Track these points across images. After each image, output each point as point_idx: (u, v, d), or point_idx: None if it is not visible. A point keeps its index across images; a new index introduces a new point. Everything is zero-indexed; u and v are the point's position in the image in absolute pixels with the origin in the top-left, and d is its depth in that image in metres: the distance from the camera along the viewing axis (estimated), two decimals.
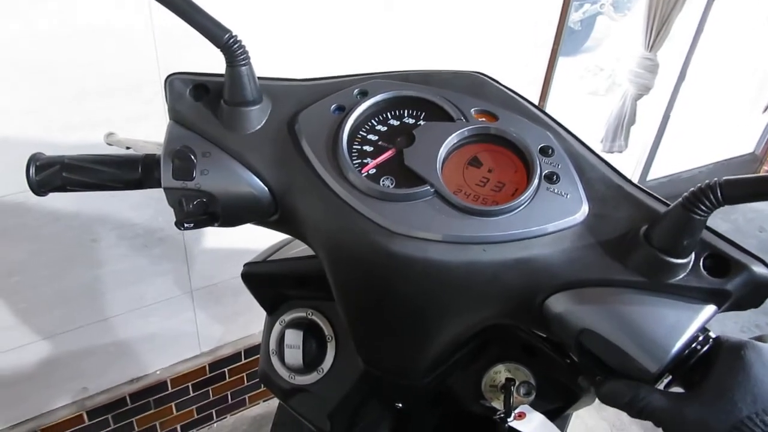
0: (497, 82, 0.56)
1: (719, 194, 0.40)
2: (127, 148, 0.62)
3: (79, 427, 1.37)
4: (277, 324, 0.72)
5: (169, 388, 1.46)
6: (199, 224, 0.53)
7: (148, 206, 1.17)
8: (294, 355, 0.69)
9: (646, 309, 0.44)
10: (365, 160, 0.50)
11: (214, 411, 1.59)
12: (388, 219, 0.46)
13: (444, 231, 0.46)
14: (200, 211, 0.52)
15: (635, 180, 2.55)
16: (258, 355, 1.10)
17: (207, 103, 0.53)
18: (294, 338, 0.69)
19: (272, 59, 1.14)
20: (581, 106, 2.44)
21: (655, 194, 0.49)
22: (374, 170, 0.49)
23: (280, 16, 1.11)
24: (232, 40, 0.48)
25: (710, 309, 0.45)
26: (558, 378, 0.64)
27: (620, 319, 0.44)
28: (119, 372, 1.39)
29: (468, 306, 0.50)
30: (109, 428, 1.42)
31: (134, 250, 1.21)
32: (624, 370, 0.44)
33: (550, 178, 0.48)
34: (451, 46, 1.37)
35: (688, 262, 0.44)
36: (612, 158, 2.30)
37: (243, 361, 1.55)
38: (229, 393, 1.59)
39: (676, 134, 2.51)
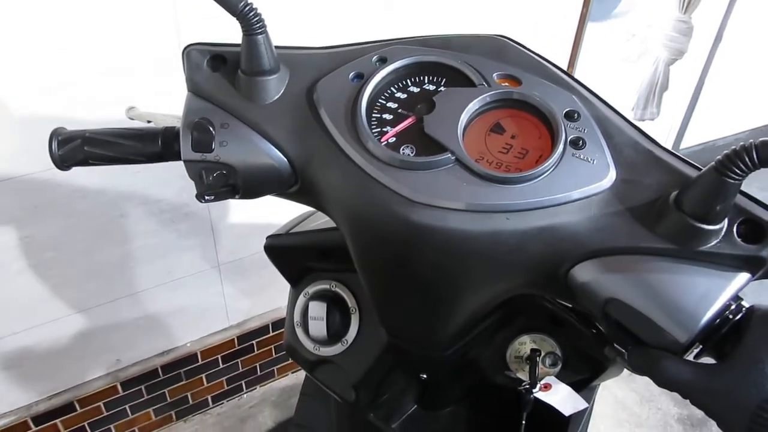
0: (521, 45, 0.54)
1: (755, 156, 0.38)
2: (148, 121, 0.62)
3: (114, 397, 1.41)
4: (301, 296, 0.73)
5: (199, 360, 1.49)
6: (220, 196, 0.53)
7: (173, 182, 1.17)
8: (318, 326, 0.69)
9: (676, 277, 0.42)
10: (385, 129, 0.49)
11: (243, 382, 1.62)
12: (408, 188, 0.45)
13: (465, 199, 0.45)
14: (220, 183, 0.52)
15: (668, 147, 2.49)
16: None
17: (225, 74, 0.53)
18: (318, 310, 0.69)
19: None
20: (612, 73, 2.37)
21: (686, 159, 0.47)
22: (394, 139, 0.48)
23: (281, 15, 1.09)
24: (248, 8, 0.47)
25: (743, 277, 0.43)
26: (584, 349, 0.63)
27: (648, 288, 0.43)
28: (151, 344, 1.42)
29: (491, 276, 0.49)
30: (143, 399, 1.46)
31: (161, 225, 1.23)
32: (652, 341, 0.43)
33: (576, 143, 0.46)
34: (474, 10, 1.34)
35: (721, 228, 0.42)
36: (644, 126, 2.24)
37: (271, 334, 1.57)
38: (257, 365, 1.61)
39: (712, 100, 2.43)
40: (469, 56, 0.51)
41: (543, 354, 0.64)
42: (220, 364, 1.54)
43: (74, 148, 0.55)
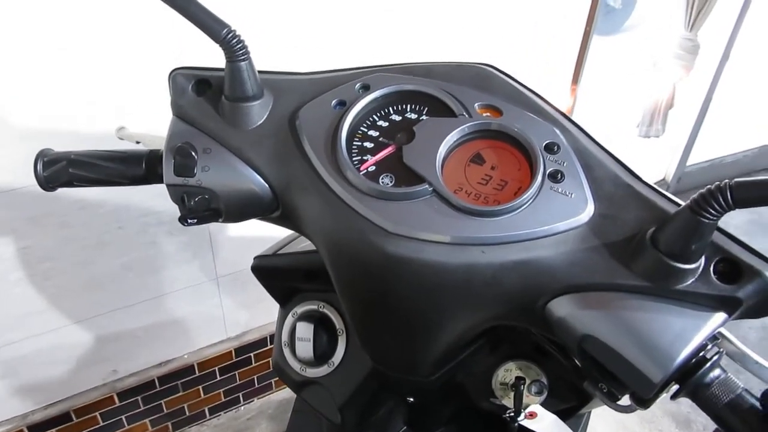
0: (504, 73, 0.54)
1: (729, 197, 0.37)
2: (137, 142, 0.62)
3: (111, 408, 1.41)
4: (289, 316, 0.72)
5: (197, 372, 1.48)
6: (203, 220, 0.53)
7: None
8: (305, 347, 0.69)
9: (651, 315, 0.42)
10: (365, 157, 0.49)
11: (240, 394, 1.62)
12: (385, 218, 0.45)
13: (442, 232, 0.44)
14: (202, 207, 0.52)
15: (672, 166, 2.46)
16: None
17: (209, 99, 0.53)
18: (305, 331, 0.69)
19: (273, 58, 1.13)
20: (618, 88, 2.36)
21: (668, 194, 0.46)
22: (374, 167, 0.48)
23: (280, 12, 1.10)
24: (230, 35, 0.47)
25: (720, 317, 0.42)
26: (570, 378, 0.62)
27: (623, 326, 0.42)
28: (148, 355, 1.42)
29: (467, 308, 0.48)
30: (139, 409, 1.46)
31: (160, 237, 1.23)
32: (627, 379, 0.42)
33: (555, 176, 0.46)
34: (475, 25, 1.34)
35: (697, 267, 0.42)
36: (649, 144, 2.23)
37: (269, 347, 1.57)
38: (255, 377, 1.61)
39: (719, 117, 2.41)
40: (451, 85, 0.51)
41: (528, 382, 0.63)
42: (218, 376, 1.53)
43: (59, 170, 0.55)
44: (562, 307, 0.44)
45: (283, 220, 0.56)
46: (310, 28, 1.14)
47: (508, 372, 0.64)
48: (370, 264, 0.47)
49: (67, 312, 1.23)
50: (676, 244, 0.41)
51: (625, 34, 4.22)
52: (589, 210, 0.45)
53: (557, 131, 0.49)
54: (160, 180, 0.54)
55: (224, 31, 0.47)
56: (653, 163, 2.48)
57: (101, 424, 1.42)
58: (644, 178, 0.48)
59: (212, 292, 1.40)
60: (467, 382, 0.67)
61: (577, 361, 0.53)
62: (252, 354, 1.55)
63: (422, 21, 1.25)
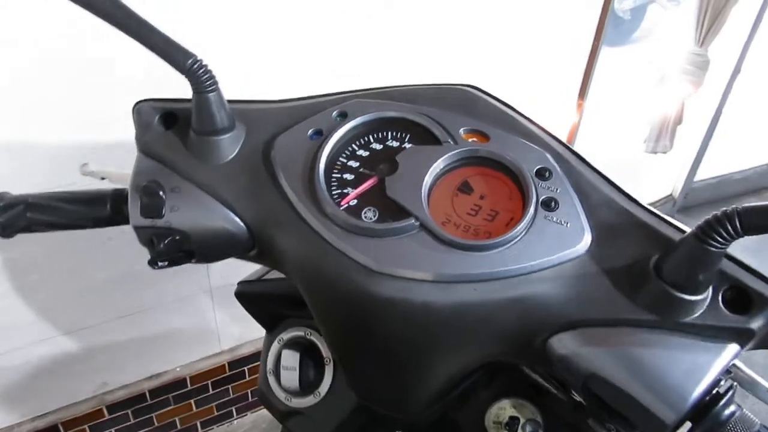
0: (490, 95, 0.51)
1: (738, 224, 0.34)
2: (102, 178, 0.59)
3: (100, 420, 1.38)
4: (275, 342, 0.69)
5: (189, 386, 1.46)
6: (174, 262, 0.50)
7: None
8: (290, 377, 0.66)
9: (659, 351, 0.39)
10: (346, 190, 0.46)
11: (234, 408, 1.59)
12: (368, 256, 0.42)
13: (430, 269, 0.41)
14: (173, 249, 0.49)
15: (680, 182, 2.42)
16: None
17: (177, 132, 0.50)
18: (291, 359, 0.66)
19: (245, 85, 1.10)
20: (625, 102, 2.32)
21: (670, 220, 0.43)
22: (355, 201, 0.45)
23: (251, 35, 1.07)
24: (196, 65, 0.44)
25: (732, 349, 0.39)
26: (567, 418, 0.59)
27: (631, 363, 0.39)
28: (139, 368, 1.39)
29: (460, 347, 0.45)
30: (129, 423, 1.43)
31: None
32: (637, 420, 0.39)
33: (548, 204, 0.43)
34: (482, 35, 1.31)
35: (705, 298, 0.39)
36: (656, 159, 2.19)
37: None
38: (249, 391, 1.58)
39: (728, 132, 2.37)
40: (434, 110, 0.48)
41: (523, 421, 0.60)
42: (211, 390, 1.51)
43: (16, 215, 0.52)
44: (563, 345, 0.41)
45: (260, 259, 0.53)
46: (285, 47, 1.11)
47: (502, 410, 0.60)
48: (353, 304, 0.43)
49: (56, 323, 1.21)
50: (681, 274, 0.38)
51: (633, 46, 4.19)
52: (587, 239, 0.42)
53: (548, 156, 0.46)
54: (126, 221, 0.50)
55: (189, 62, 0.44)
56: (660, 178, 2.44)
57: None
58: (643, 203, 0.45)
59: (206, 305, 1.37)
60: (459, 418, 0.64)
61: (580, 399, 0.50)
62: (246, 368, 1.52)
63: (418, 31, 1.22)
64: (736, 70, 2.14)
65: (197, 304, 1.35)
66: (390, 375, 0.51)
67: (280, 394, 0.68)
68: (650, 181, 2.43)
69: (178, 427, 1.52)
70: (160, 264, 0.48)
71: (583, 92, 1.60)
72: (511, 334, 0.43)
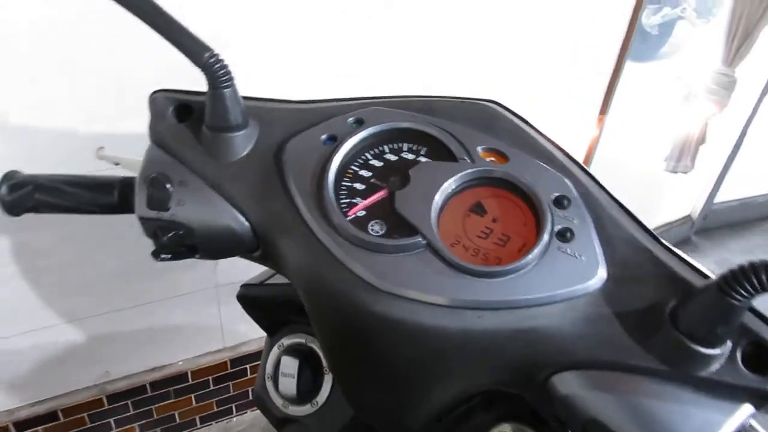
0: (513, 113, 0.49)
1: (765, 279, 0.32)
2: (116, 164, 0.58)
3: (100, 410, 1.38)
4: (275, 347, 0.68)
5: (190, 380, 1.45)
6: (177, 256, 0.49)
7: None
8: (288, 384, 0.65)
9: (668, 404, 0.37)
10: (355, 200, 0.44)
11: (234, 405, 1.58)
12: (372, 273, 0.40)
13: (435, 292, 0.40)
14: (177, 243, 0.48)
15: (700, 203, 2.38)
16: None
17: (190, 126, 0.48)
18: (290, 366, 0.65)
19: (261, 82, 1.09)
20: (649, 118, 2.29)
21: (693, 262, 0.41)
22: (363, 212, 0.43)
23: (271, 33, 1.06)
24: (213, 59, 0.43)
25: (746, 410, 0.37)
26: None
27: (636, 414, 0.37)
28: (141, 360, 1.38)
29: (460, 375, 0.43)
30: (129, 413, 1.43)
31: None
32: None
33: (563, 235, 0.41)
34: (506, 48, 1.29)
35: (722, 353, 0.36)
36: (676, 178, 2.15)
37: None
38: (249, 389, 1.57)
39: (753, 154, 2.32)
40: (453, 124, 0.46)
41: None
42: (211, 386, 1.50)
43: (25, 195, 0.51)
44: (566, 384, 0.39)
45: (264, 261, 0.52)
46: (305, 47, 1.09)
47: None
48: (351, 319, 0.42)
49: (61, 310, 1.20)
50: (699, 326, 0.36)
51: (660, 62, 4.13)
52: (601, 275, 0.40)
53: (569, 183, 0.44)
54: (133, 210, 0.50)
55: (206, 55, 0.43)
56: (679, 198, 2.40)
57: (89, 425, 1.39)
58: (666, 242, 0.42)
59: (211, 301, 1.36)
60: None
61: None
62: (248, 366, 1.51)
63: (440, 43, 1.20)
64: (765, 92, 2.10)
65: (203, 300, 1.34)
66: (384, 392, 0.50)
67: (278, 401, 0.67)
68: (669, 200, 2.39)
69: (177, 420, 1.52)
70: (163, 257, 0.48)
71: (605, 107, 1.57)
72: (513, 366, 0.41)
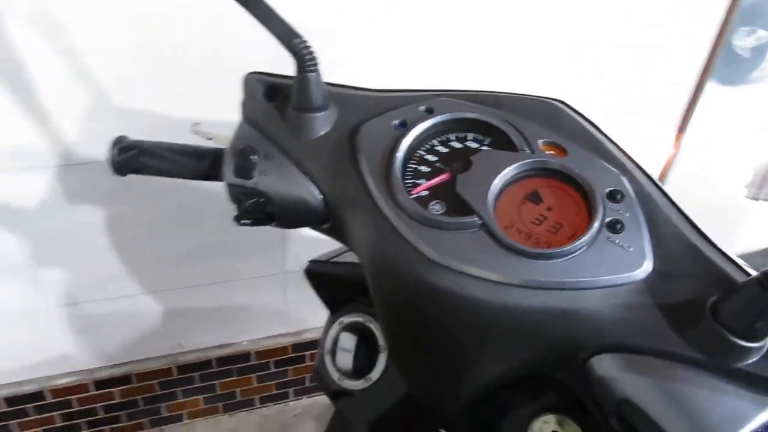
0: (577, 112, 0.51)
1: None
2: (209, 138, 0.64)
3: (169, 378, 1.48)
4: (336, 324, 0.73)
5: (253, 360, 1.52)
6: (256, 223, 0.54)
7: None
8: (345, 358, 0.69)
9: (701, 391, 0.38)
10: (419, 181, 0.48)
11: (291, 390, 1.64)
12: (430, 247, 0.44)
13: (488, 268, 0.43)
14: (257, 210, 0.53)
15: None
16: None
17: (277, 106, 0.54)
18: (348, 342, 0.69)
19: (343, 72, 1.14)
20: (732, 141, 2.20)
21: (739, 261, 0.42)
22: (425, 192, 0.47)
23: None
24: (302, 45, 0.48)
25: None
26: None
27: (668, 397, 0.39)
28: (210, 336, 1.47)
29: (508, 350, 0.46)
30: (194, 386, 1.52)
31: (236, 227, 1.27)
32: None
33: (614, 226, 0.43)
34: (579, 61, 1.29)
35: (762, 346, 0.38)
36: (758, 206, 2.06)
37: None
38: (306, 376, 1.63)
39: None
40: (517, 118, 0.50)
41: None
42: (272, 368, 1.57)
43: (131, 157, 0.58)
44: (604, 366, 0.41)
45: (332, 233, 0.57)
46: (386, 42, 1.14)
47: (546, 424, 0.60)
48: (409, 291, 0.46)
49: (143, 282, 1.30)
50: (739, 320, 0.37)
51: (751, 86, 3.94)
52: (647, 267, 0.42)
53: (624, 179, 0.46)
54: (221, 179, 0.55)
55: (297, 41, 0.48)
56: (761, 227, 2.29)
57: (158, 392, 1.49)
58: (715, 241, 0.44)
59: (279, 287, 1.43)
60: (503, 425, 0.64)
61: (613, 425, 0.49)
62: (308, 353, 1.57)
63: (518, 52, 1.22)
64: None
65: (271, 285, 1.41)
66: (436, 367, 0.53)
67: (334, 374, 0.71)
68: (750, 228, 2.29)
69: (237, 398, 1.60)
70: (243, 221, 0.53)
71: (683, 126, 1.54)
72: (557, 345, 0.44)
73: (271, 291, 1.43)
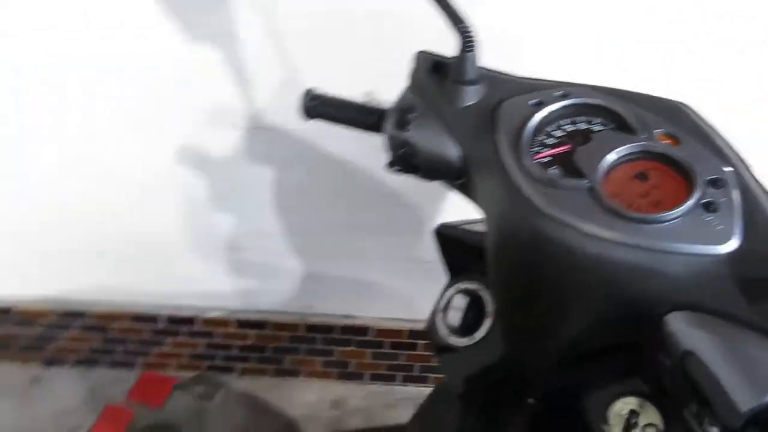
0: (699, 116, 0.57)
1: None
2: (378, 104, 0.78)
3: (296, 334, 1.65)
4: (451, 288, 0.82)
5: (370, 336, 1.65)
6: (404, 171, 0.66)
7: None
8: (455, 317, 0.78)
9: (761, 353, 0.43)
10: (543, 150, 0.56)
11: (400, 374, 1.74)
12: (542, 201, 0.52)
13: (588, 223, 0.50)
14: (406, 158, 0.65)
15: None
16: None
17: (438, 78, 0.66)
18: (460, 302, 0.78)
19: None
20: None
21: None
22: (547, 159, 0.56)
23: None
24: (468, 28, 0.59)
25: None
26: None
27: (728, 351, 0.44)
28: (339, 304, 1.62)
29: (596, 300, 0.53)
30: (317, 347, 1.67)
31: (383, 207, 1.41)
32: (715, 402, 0.43)
33: (708, 206, 0.49)
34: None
35: None
36: None
37: None
38: (416, 365, 1.72)
39: None
40: (640, 110, 0.56)
41: (643, 424, 0.63)
42: (386, 348, 1.68)
43: (318, 105, 0.74)
44: (676, 320, 0.47)
45: (462, 188, 0.67)
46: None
47: (626, 405, 0.64)
48: (522, 239, 0.54)
49: (294, 243, 1.49)
50: None
51: None
52: (731, 245, 0.47)
53: (728, 170, 0.51)
54: (382, 131, 0.69)
55: (464, 25, 0.59)
56: None
57: (286, 344, 1.67)
58: None
59: (410, 273, 1.53)
60: (586, 402, 0.69)
61: (672, 381, 0.53)
62: (421, 342, 1.66)
63: (543, 49, 1.19)
64: None
65: (404, 270, 1.51)
66: (535, 319, 0.60)
67: (443, 330, 0.80)
68: None
69: (350, 369, 1.73)
70: (393, 167, 0.65)
71: None
72: (640, 298, 0.50)
73: (402, 276, 1.54)
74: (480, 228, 0.83)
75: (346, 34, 1.16)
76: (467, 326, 0.78)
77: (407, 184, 1.34)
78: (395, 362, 1.71)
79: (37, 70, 1.21)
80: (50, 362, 1.73)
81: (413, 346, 1.67)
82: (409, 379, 1.76)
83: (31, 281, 1.60)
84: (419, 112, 0.64)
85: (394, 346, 1.67)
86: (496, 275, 0.64)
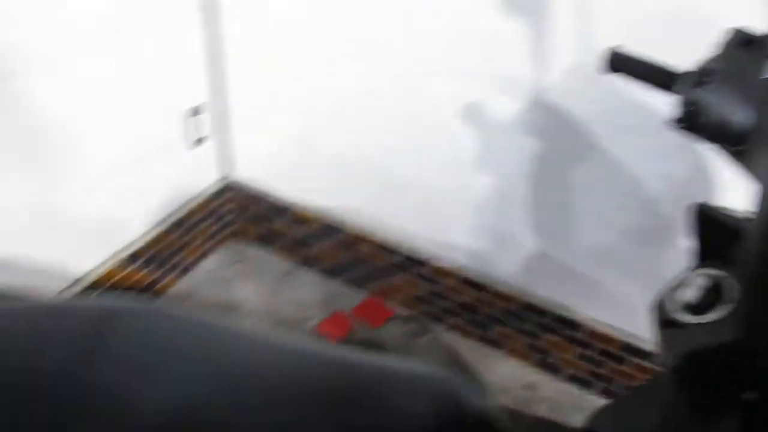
0: None
1: None
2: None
3: (509, 307, 1.74)
4: (695, 272, 0.83)
5: (580, 334, 1.67)
6: (689, 129, 0.71)
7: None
8: (689, 293, 0.79)
9: None
10: None
11: (599, 385, 1.72)
12: None
13: None
14: (693, 116, 0.69)
15: None
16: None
17: (746, 50, 0.70)
18: (698, 281, 0.79)
19: None
20: None
21: None
22: None
23: None
24: None
25: None
26: None
27: None
28: (561, 292, 1.67)
29: None
30: (525, 326, 1.75)
31: (648, 216, 1.42)
32: None
33: None
34: None
35: None
36: None
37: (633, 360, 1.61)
38: (618, 379, 1.68)
39: None
40: None
41: None
42: (594, 352, 1.68)
43: (620, 60, 0.81)
44: None
45: (738, 155, 0.69)
46: None
47: None
48: None
49: (540, 222, 1.59)
50: None
51: None
52: None
53: None
54: (672, 91, 0.74)
55: None
56: None
57: (497, 314, 1.77)
58: None
59: (646, 286, 1.46)
60: None
61: None
62: (631, 358, 1.62)
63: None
64: None
65: (645, 282, 1.45)
66: None
67: (672, 305, 0.82)
68: None
69: (550, 360, 1.75)
70: (679, 125, 0.70)
71: None
72: None
73: (637, 287, 1.52)
74: (743, 214, 0.82)
75: (654, 31, 1.20)
76: (699, 306, 0.78)
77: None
78: (598, 370, 1.70)
79: None
80: (302, 263, 2.05)
81: (621, 360, 1.64)
82: (606, 393, 1.72)
83: (312, 191, 1.92)
84: (719, 76, 0.68)
85: (603, 353, 1.66)
86: (761, 256, 0.65)
